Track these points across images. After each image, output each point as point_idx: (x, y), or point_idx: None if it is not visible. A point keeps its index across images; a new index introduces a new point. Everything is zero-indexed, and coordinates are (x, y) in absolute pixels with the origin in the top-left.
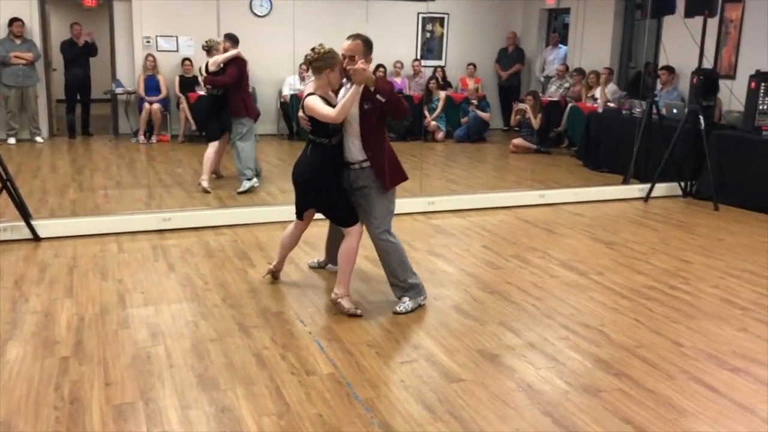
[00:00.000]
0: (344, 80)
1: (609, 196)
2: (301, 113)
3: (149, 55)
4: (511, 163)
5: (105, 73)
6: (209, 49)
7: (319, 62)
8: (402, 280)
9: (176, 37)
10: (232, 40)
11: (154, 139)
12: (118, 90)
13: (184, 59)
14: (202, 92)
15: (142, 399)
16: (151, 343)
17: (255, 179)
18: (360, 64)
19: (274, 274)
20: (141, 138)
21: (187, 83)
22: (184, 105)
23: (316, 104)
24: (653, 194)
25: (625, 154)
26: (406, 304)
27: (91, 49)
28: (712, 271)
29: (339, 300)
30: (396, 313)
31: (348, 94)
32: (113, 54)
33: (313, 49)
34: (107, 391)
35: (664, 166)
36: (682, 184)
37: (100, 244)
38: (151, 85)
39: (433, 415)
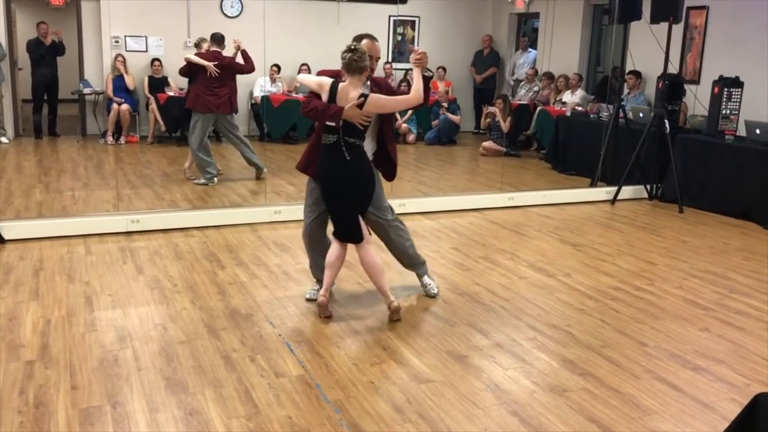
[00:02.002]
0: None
1: (577, 198)
2: (360, 112)
3: (118, 55)
4: (481, 165)
5: (72, 73)
6: (197, 45)
7: (365, 62)
8: (416, 255)
9: (145, 37)
10: (212, 39)
11: (122, 140)
12: (86, 90)
13: (154, 60)
14: (171, 93)
15: (110, 402)
16: (119, 346)
17: (205, 179)
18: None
19: (325, 310)
20: (109, 139)
21: (157, 84)
22: (153, 106)
23: (389, 98)
24: (620, 197)
25: (592, 158)
26: (433, 282)
27: (58, 48)
28: (676, 273)
29: (397, 307)
30: (433, 296)
31: (416, 80)
32: (81, 54)
33: (354, 50)
34: (73, 395)
35: (630, 169)
36: (648, 186)
37: (66, 246)
38: (120, 85)
39: (402, 415)
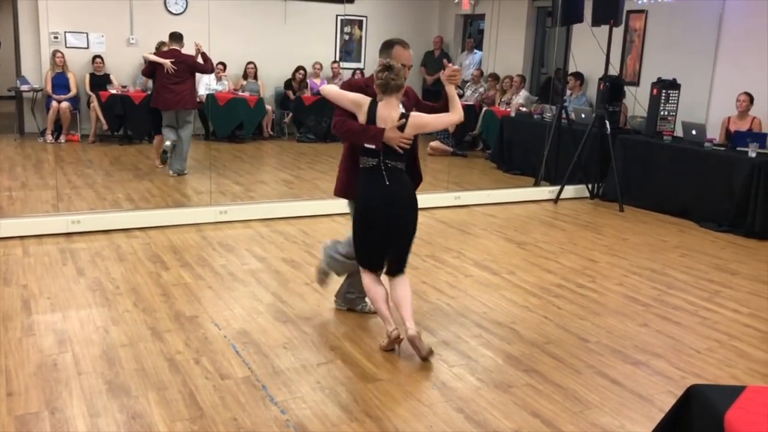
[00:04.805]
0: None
1: (521, 197)
2: (401, 134)
3: (57, 51)
4: (428, 165)
5: (9, 69)
6: (157, 48)
7: (402, 79)
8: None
9: (86, 33)
10: (170, 38)
11: (62, 138)
12: (24, 87)
13: (95, 57)
14: (113, 91)
15: (48, 408)
16: (58, 350)
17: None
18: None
19: (398, 339)
20: (48, 137)
21: (99, 81)
22: (95, 104)
23: (431, 116)
24: (562, 196)
25: (536, 157)
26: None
27: None
28: (617, 270)
29: (418, 335)
30: (369, 312)
31: (454, 98)
32: (17, 49)
33: (390, 67)
34: (9, 401)
35: (572, 168)
36: (590, 186)
37: (3, 248)
38: (60, 82)
39: (349, 415)
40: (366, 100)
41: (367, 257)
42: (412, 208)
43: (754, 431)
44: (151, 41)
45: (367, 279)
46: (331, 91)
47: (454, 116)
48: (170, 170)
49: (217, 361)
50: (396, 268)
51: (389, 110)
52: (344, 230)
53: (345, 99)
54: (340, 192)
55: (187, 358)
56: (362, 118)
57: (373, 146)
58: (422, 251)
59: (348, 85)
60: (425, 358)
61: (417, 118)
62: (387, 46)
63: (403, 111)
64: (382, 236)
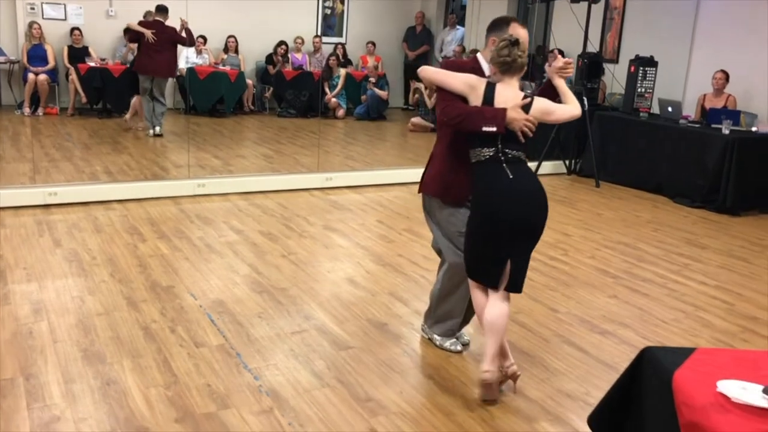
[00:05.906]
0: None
1: None
2: (525, 116)
3: (34, 22)
4: (409, 141)
5: None
6: (144, 17)
7: (526, 57)
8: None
9: (64, 5)
10: (156, 10)
11: (40, 111)
12: (0, 59)
13: (74, 29)
14: (92, 63)
15: (23, 375)
16: (34, 319)
17: (149, 128)
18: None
19: (515, 376)
20: (26, 110)
21: (77, 54)
22: (73, 76)
23: (557, 105)
24: (540, 172)
25: None
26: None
27: None
28: (590, 243)
29: (492, 381)
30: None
31: (568, 92)
32: None
33: (518, 43)
34: None
35: (550, 145)
36: (567, 162)
37: None
38: (37, 54)
39: (321, 381)
40: (481, 81)
41: (483, 272)
42: (545, 207)
43: (698, 389)
44: (129, 14)
45: (478, 296)
46: (436, 73)
47: (576, 110)
48: (151, 131)
49: (192, 330)
50: (513, 282)
51: (510, 93)
52: (322, 204)
53: (455, 80)
54: (437, 191)
55: (162, 326)
56: (476, 101)
57: (493, 128)
58: (399, 225)
59: (453, 66)
60: (486, 400)
61: (543, 102)
62: (502, 23)
63: (529, 93)
64: (508, 244)
